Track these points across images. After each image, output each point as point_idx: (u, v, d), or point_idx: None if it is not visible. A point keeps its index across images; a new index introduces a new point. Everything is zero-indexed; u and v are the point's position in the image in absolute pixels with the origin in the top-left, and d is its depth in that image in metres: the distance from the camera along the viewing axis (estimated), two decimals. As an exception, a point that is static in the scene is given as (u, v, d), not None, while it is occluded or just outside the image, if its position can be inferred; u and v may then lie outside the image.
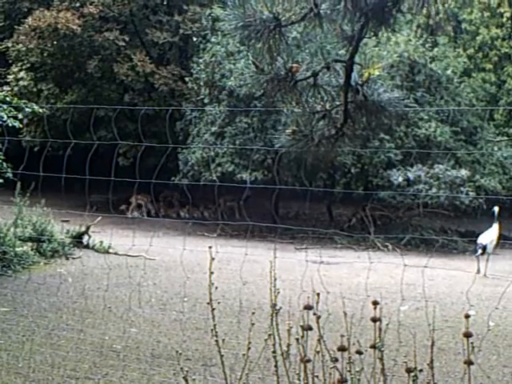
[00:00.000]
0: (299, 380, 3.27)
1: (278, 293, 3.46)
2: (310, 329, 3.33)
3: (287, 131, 3.96)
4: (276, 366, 3.28)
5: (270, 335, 3.34)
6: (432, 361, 3.08)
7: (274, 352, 3.32)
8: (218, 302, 3.74)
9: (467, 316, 3.21)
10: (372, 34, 3.76)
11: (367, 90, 3.81)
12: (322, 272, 14.10)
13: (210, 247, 3.54)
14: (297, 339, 3.29)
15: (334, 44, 3.75)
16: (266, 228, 19.34)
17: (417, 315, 10.06)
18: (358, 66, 3.76)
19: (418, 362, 6.77)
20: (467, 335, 3.10)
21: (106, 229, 16.00)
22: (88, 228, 14.48)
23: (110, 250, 13.97)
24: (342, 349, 3.25)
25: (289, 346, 3.33)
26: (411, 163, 20.31)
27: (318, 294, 3.42)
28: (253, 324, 3.62)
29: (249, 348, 3.49)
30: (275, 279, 3.48)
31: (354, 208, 22.64)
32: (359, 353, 3.41)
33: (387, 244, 19.05)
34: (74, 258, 13.24)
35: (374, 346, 3.38)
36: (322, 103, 3.86)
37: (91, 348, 7.25)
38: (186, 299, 9.92)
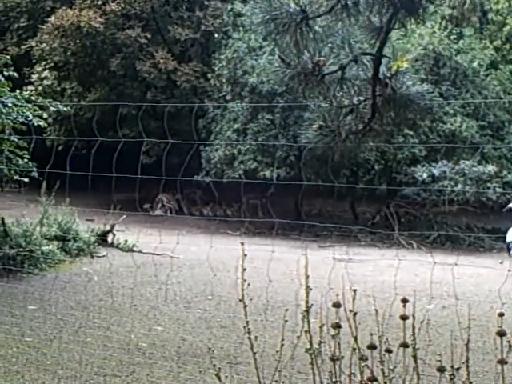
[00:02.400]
0: (331, 378, 3.22)
1: (310, 289, 3.41)
2: (340, 327, 3.27)
3: (314, 126, 3.89)
4: (312, 364, 3.23)
5: (306, 332, 3.29)
6: (468, 359, 3.00)
7: (307, 350, 3.27)
8: (250, 299, 3.72)
9: (501, 314, 3.13)
10: (401, 25, 3.68)
11: (396, 83, 3.73)
12: (345, 270, 14.08)
13: (243, 243, 3.50)
14: (332, 336, 3.23)
15: (361, 37, 3.67)
16: (289, 226, 19.27)
17: (443, 314, 9.97)
18: (385, 58, 3.69)
19: (446, 361, 6.69)
20: (501, 334, 3.02)
21: (131, 227, 16.07)
22: (113, 227, 14.53)
23: (135, 249, 14.00)
24: (371, 347, 3.18)
25: (321, 343, 3.28)
26: (436, 159, 20.12)
27: (355, 291, 3.36)
28: (286, 321, 3.60)
29: (282, 345, 3.47)
30: (307, 276, 3.43)
31: (377, 205, 22.47)
32: (389, 351, 3.36)
33: (412, 242, 18.88)
34: (99, 257, 13.29)
35: (404, 345, 3.31)
36: (349, 97, 3.79)
37: (118, 346, 7.30)
38: (210, 297, 9.90)
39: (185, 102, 22.47)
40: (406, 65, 3.73)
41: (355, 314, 3.31)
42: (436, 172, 19.44)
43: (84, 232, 13.76)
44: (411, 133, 20.23)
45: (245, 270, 3.41)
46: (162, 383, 6.26)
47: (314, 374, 3.25)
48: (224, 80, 21.48)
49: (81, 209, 13.52)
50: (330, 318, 3.38)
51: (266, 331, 7.44)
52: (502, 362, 3.07)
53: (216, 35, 23.90)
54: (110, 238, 14.46)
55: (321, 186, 21.50)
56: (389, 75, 3.68)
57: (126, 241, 14.34)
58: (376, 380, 3.13)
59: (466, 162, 19.68)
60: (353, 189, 22.66)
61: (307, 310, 3.36)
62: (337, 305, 3.28)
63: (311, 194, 23.91)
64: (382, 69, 3.67)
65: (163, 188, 18.42)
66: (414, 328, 3.19)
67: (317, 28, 3.67)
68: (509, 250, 15.45)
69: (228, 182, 18.33)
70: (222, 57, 21.64)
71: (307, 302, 3.37)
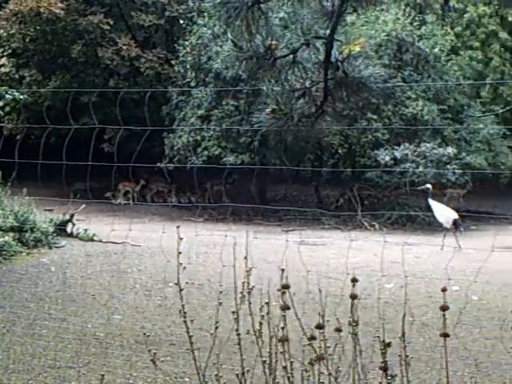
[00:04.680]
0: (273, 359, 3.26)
1: (250, 269, 3.45)
2: (288, 308, 3.30)
3: (267, 110, 3.91)
4: (239, 346, 3.25)
5: (234, 313, 3.34)
6: (404, 334, 3.08)
7: (248, 332, 3.31)
8: (187, 283, 3.72)
9: (444, 289, 3.21)
10: (352, 9, 3.72)
11: (347, 67, 3.75)
12: (309, 253, 14.20)
13: (178, 227, 3.51)
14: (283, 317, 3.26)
15: (313, 20, 3.69)
16: (253, 211, 19.32)
17: (402, 292, 10.10)
18: (338, 42, 3.71)
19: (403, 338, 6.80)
20: (444, 308, 3.10)
21: (92, 217, 15.89)
22: (72, 216, 14.35)
23: (95, 238, 13.85)
24: (318, 327, 3.23)
25: (261, 324, 3.31)
26: (398, 142, 20.35)
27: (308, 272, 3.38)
28: (220, 303, 3.63)
29: (216, 327, 3.48)
30: (245, 258, 3.47)
31: (341, 188, 22.64)
32: (338, 330, 3.40)
33: (374, 223, 19.12)
34: (57, 247, 13.13)
35: (351, 323, 3.37)
36: (301, 81, 3.81)
37: (73, 337, 7.18)
38: (171, 284, 9.90)
39: (148, 89, 22.28)
40: (358, 48, 3.76)
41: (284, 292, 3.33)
42: (398, 155, 19.68)
43: (42, 222, 13.52)
44: (374, 117, 20.42)
45: (180, 253, 3.42)
46: (119, 372, 6.19)
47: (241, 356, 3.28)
48: (188, 66, 21.38)
49: (40, 199, 13.31)
50: (283, 300, 3.41)
51: (226, 315, 7.47)
52: (445, 335, 3.16)
53: (181, 21, 23.72)
54: (69, 228, 14.27)
55: (285, 171, 21.58)
56: (341, 59, 3.70)
57: (86, 230, 14.17)
58: (323, 359, 3.17)
59: (427, 144, 19.97)
60: (317, 173, 22.80)
61: (245, 292, 3.39)
62: (285, 286, 3.32)
63: (276, 179, 23.98)
64: (334, 52, 3.70)
65: (126, 176, 18.32)
66: (351, 306, 3.25)
67: (268, 12, 3.69)
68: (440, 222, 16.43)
69: (191, 169, 18.31)
70: (187, 43, 21.52)
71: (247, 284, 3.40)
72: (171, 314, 8.36)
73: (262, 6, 3.58)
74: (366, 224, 19.14)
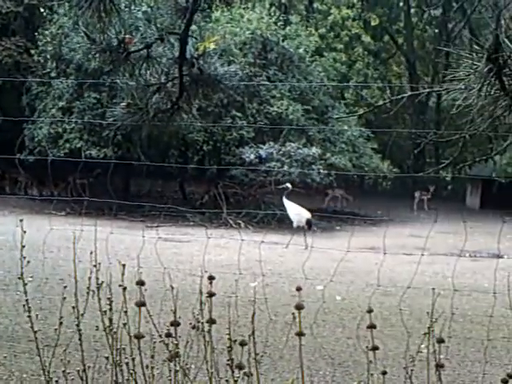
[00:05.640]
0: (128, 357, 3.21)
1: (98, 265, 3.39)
2: (143, 305, 3.25)
3: (122, 104, 3.84)
4: (80, 341, 3.18)
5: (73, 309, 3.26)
6: (253, 332, 3.09)
7: (97, 328, 3.24)
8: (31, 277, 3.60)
9: (299, 288, 3.25)
10: (206, 6, 3.70)
11: (203, 64, 3.74)
12: (173, 250, 14.11)
13: (21, 220, 3.39)
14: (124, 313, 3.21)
15: (167, 16, 3.65)
16: (117, 206, 19.03)
17: (266, 291, 10.21)
18: (194, 39, 3.70)
19: (264, 336, 6.85)
20: (298, 307, 3.14)
21: None
22: None
23: None
24: (174, 324, 3.21)
25: (111, 320, 3.26)
26: (263, 141, 20.60)
27: (130, 269, 3.35)
28: (64, 298, 3.54)
29: (61, 323, 3.41)
30: (91, 253, 3.40)
31: (206, 186, 22.68)
32: (195, 328, 3.39)
33: (239, 221, 19.25)
34: None
35: (211, 321, 3.36)
36: (156, 76, 3.77)
37: None
38: (30, 279, 9.56)
39: (7, 78, 21.43)
40: (212, 46, 3.75)
41: (125, 288, 3.30)
42: (263, 153, 19.93)
43: None
44: (239, 114, 20.56)
45: (23, 246, 3.32)
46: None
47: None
48: (48, 56, 20.74)
49: None
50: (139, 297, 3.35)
51: (88, 312, 7.32)
52: (300, 334, 3.20)
53: (41, 10, 22.98)
54: None
55: (151, 166, 21.38)
56: (196, 55, 3.69)
57: None
58: (178, 356, 3.16)
59: (292, 144, 20.32)
60: (183, 169, 22.73)
61: (94, 288, 3.33)
62: (140, 283, 3.27)
63: (141, 174, 23.74)
64: (190, 49, 3.67)
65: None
66: (208, 304, 3.24)
67: (122, 5, 3.62)
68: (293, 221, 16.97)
69: (53, 161, 17.78)
70: (47, 32, 20.87)
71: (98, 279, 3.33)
72: (30, 309, 8.09)
73: (114, -2, 3.50)
74: (231, 222, 19.25)
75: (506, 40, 1.70)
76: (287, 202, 17.40)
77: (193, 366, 3.40)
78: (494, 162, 21.42)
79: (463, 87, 1.75)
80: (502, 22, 1.74)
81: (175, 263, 12.01)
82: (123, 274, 3.32)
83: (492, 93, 1.72)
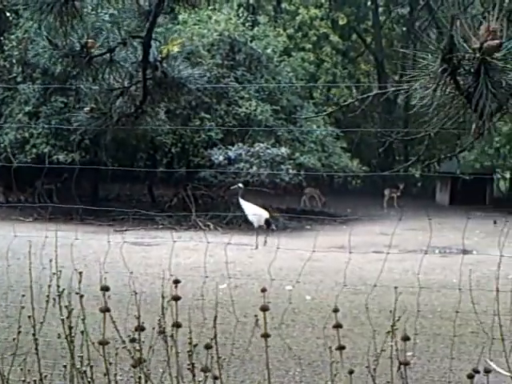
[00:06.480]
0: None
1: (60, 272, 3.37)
2: (108, 310, 3.23)
3: (85, 109, 3.83)
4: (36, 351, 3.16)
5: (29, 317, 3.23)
6: (216, 335, 3.09)
7: (59, 336, 3.22)
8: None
9: (264, 290, 3.25)
10: (169, 9, 3.70)
11: (167, 67, 3.74)
12: (142, 254, 14.04)
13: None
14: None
15: (129, 20, 3.65)
16: (85, 211, 18.90)
17: (235, 293, 10.21)
18: (158, 42, 3.69)
19: (236, 339, 6.84)
20: (263, 309, 3.14)
21: None
22: None
23: None
24: (137, 329, 3.19)
25: (71, 328, 3.24)
26: (232, 142, 20.58)
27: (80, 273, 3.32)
28: (23, 307, 3.52)
29: (19, 332, 3.42)
30: (50, 260, 3.37)
31: (175, 188, 22.62)
32: (162, 332, 3.38)
33: (209, 223, 19.23)
34: None
35: (176, 325, 3.34)
36: (120, 80, 3.75)
37: None
38: (-6, 287, 9.48)
39: (-30, 82, 21.21)
40: (176, 49, 3.75)
41: (82, 296, 3.29)
42: (232, 155, 19.91)
43: None
44: (208, 116, 20.54)
45: None
46: None
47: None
48: (14, 61, 20.52)
49: None
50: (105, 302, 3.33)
51: (55, 319, 7.26)
52: (265, 335, 3.20)
53: (7, 14, 22.72)
54: None
55: (118, 170, 21.26)
56: (159, 59, 3.68)
57: None
58: (142, 362, 3.14)
59: (261, 144, 20.33)
60: (151, 172, 22.64)
61: (58, 295, 3.30)
62: (104, 288, 3.25)
63: (109, 178, 23.59)
64: (153, 52, 3.67)
65: None
66: (175, 308, 3.24)
67: (84, 9, 3.60)
68: (252, 221, 17.17)
69: (20, 167, 17.60)
70: (13, 37, 20.65)
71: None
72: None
73: (76, 3, 3.48)
74: (200, 224, 19.21)
75: (460, 40, 1.73)
76: (244, 203, 17.46)
77: (160, 370, 3.39)
78: (458, 160, 21.65)
79: (419, 87, 1.77)
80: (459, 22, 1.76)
81: (144, 267, 11.97)
82: (80, 282, 3.30)
83: (447, 92, 1.75)
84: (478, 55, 1.70)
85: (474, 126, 1.79)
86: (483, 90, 1.69)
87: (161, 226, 18.87)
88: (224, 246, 12.77)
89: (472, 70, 1.71)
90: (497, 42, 1.69)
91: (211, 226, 19.04)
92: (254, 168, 19.62)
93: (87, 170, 18.46)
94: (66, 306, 3.33)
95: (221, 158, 19.83)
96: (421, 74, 1.78)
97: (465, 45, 1.72)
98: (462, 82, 1.74)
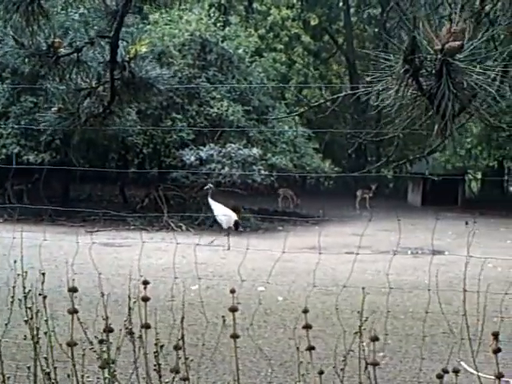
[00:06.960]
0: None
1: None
2: (76, 312, 3.21)
3: (53, 109, 3.80)
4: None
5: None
6: (183, 336, 3.08)
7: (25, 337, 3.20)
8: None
9: (233, 291, 3.25)
10: (137, 9, 3.69)
11: (134, 67, 3.72)
12: (113, 255, 13.96)
13: None
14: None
15: (97, 20, 3.63)
16: (56, 211, 18.75)
17: (207, 294, 10.19)
18: (126, 42, 3.67)
19: (207, 340, 6.82)
20: (232, 310, 3.14)
21: None
22: None
23: None
24: (106, 330, 3.17)
25: (38, 329, 3.22)
26: (203, 142, 20.55)
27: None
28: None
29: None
30: (15, 262, 3.35)
31: (147, 189, 22.53)
32: (130, 333, 3.36)
33: (181, 224, 19.18)
34: None
35: (145, 326, 3.34)
36: (87, 80, 3.73)
37: None
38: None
39: None
40: (144, 49, 3.73)
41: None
42: (203, 155, 19.87)
43: None
44: (179, 116, 20.48)
45: None
46: None
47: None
48: (-18, 60, 20.31)
49: None
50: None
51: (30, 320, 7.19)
52: (234, 336, 3.20)
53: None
54: None
55: (90, 171, 21.13)
56: (127, 59, 3.66)
57: None
58: (109, 363, 3.13)
59: (233, 145, 20.32)
60: (123, 173, 22.53)
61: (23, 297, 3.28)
62: (72, 289, 3.22)
63: (80, 179, 23.43)
64: (121, 52, 3.65)
65: None
66: (129, 309, 3.22)
67: (54, 9, 3.58)
68: (221, 222, 17.27)
69: (-11, 168, 17.43)
70: (-20, 35, 20.44)
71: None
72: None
73: (42, 2, 3.46)
74: (172, 225, 19.15)
75: (423, 41, 1.74)
76: (213, 203, 17.47)
77: (130, 371, 3.37)
78: (427, 161, 21.85)
79: (381, 88, 1.78)
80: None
81: (116, 268, 11.89)
82: (43, 283, 3.27)
83: (410, 93, 1.76)
84: (439, 56, 1.72)
85: (436, 127, 1.80)
86: (445, 91, 1.70)
87: (132, 227, 18.77)
88: (197, 247, 12.75)
89: (434, 72, 1.73)
90: (458, 43, 1.70)
91: (183, 227, 19.00)
92: (226, 169, 19.60)
93: (58, 170, 18.30)
94: (30, 308, 3.30)
95: (192, 158, 19.77)
96: (383, 75, 1.79)
97: (427, 46, 1.73)
98: (424, 84, 1.76)
